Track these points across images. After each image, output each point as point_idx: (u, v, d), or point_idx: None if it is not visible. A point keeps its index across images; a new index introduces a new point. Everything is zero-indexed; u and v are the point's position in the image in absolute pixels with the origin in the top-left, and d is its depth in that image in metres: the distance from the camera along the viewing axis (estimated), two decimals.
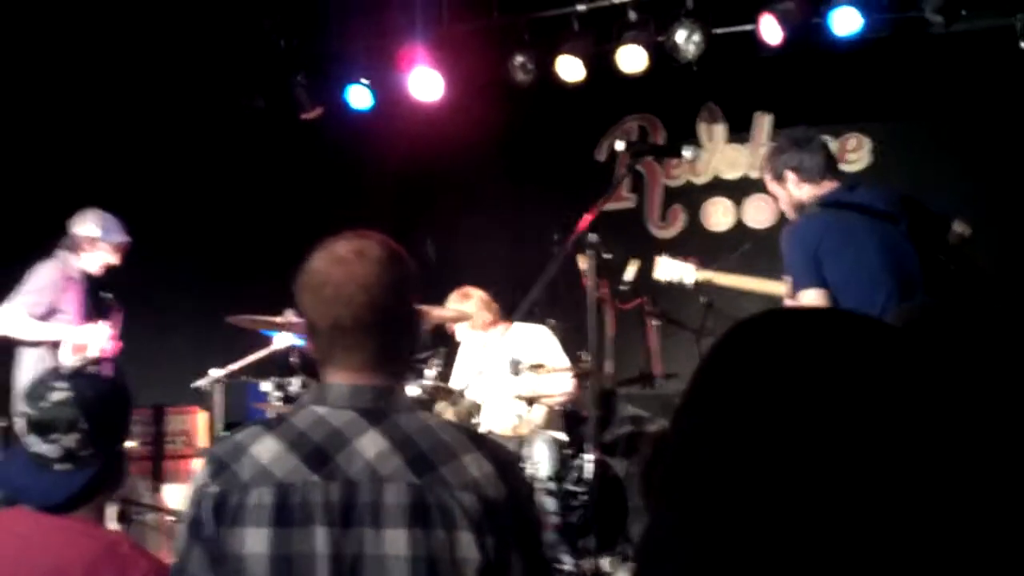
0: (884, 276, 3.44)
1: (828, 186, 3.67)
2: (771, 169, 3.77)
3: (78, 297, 5.39)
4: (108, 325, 5.43)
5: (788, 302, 3.81)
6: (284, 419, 1.73)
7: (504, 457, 1.72)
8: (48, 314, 5.26)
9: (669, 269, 4.52)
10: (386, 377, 1.73)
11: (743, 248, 4.83)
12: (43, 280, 5.27)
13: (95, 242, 5.38)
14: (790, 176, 3.69)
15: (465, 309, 5.48)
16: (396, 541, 1.58)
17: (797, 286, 3.57)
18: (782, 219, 6.73)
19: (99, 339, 5.37)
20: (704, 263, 4.64)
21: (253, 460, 1.66)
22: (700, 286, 4.58)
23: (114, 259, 5.47)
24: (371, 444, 1.65)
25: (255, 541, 1.60)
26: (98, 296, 5.46)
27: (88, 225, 5.39)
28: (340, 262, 1.71)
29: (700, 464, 0.76)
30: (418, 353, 4.86)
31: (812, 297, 3.49)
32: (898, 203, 3.64)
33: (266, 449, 1.67)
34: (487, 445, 1.71)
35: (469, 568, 1.57)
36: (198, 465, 4.87)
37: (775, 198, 3.92)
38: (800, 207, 3.71)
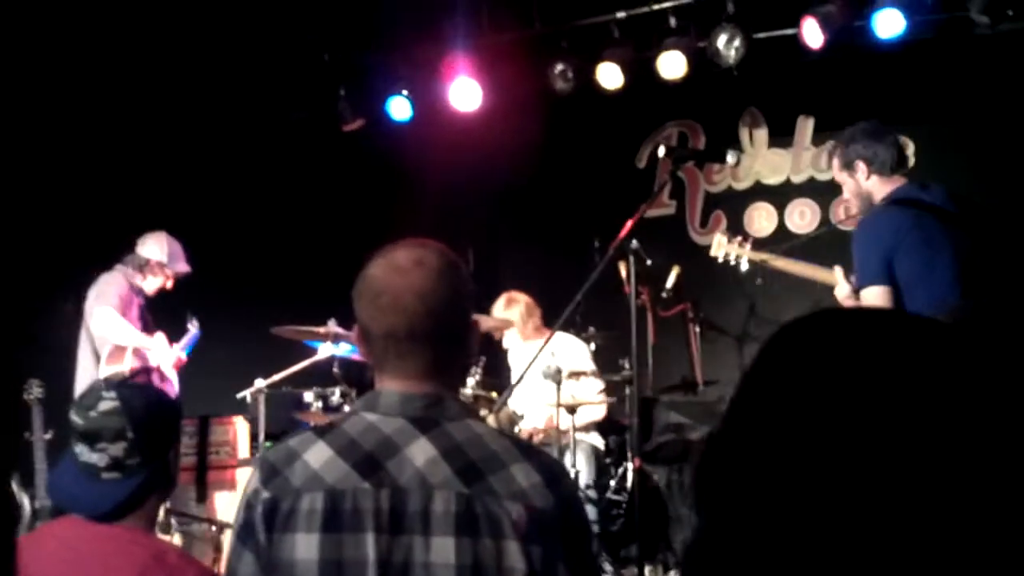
0: (958, 281, 3.40)
1: (897, 181, 3.65)
2: (841, 157, 3.74)
3: (138, 314, 5.52)
4: (174, 343, 5.59)
5: (840, 296, 3.77)
6: (335, 426, 1.74)
7: (553, 467, 1.72)
8: None
9: (725, 247, 4.49)
10: (438, 386, 1.73)
11: (788, 246, 4.78)
12: (119, 289, 5.41)
13: (163, 267, 5.55)
14: (860, 166, 3.67)
15: (511, 314, 5.50)
16: (444, 549, 1.59)
17: (863, 279, 3.53)
18: (824, 224, 6.72)
19: (167, 355, 5.51)
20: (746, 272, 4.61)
21: (305, 466, 1.67)
22: (754, 266, 4.54)
23: (169, 284, 5.65)
24: (421, 452, 1.66)
25: (306, 547, 1.62)
26: (145, 315, 5.58)
27: (157, 249, 5.55)
28: (398, 271, 1.71)
29: (746, 469, 0.76)
30: (473, 363, 4.89)
31: (875, 295, 3.45)
32: (964, 206, 3.61)
33: (318, 455, 1.68)
34: (536, 455, 1.72)
35: None
36: (242, 475, 4.93)
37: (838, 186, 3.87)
38: (867, 199, 3.69)
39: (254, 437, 5.30)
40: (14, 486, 4.85)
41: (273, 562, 1.63)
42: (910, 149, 6.46)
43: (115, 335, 5.31)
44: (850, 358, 0.76)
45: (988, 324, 1.54)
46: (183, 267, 5.63)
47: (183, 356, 5.68)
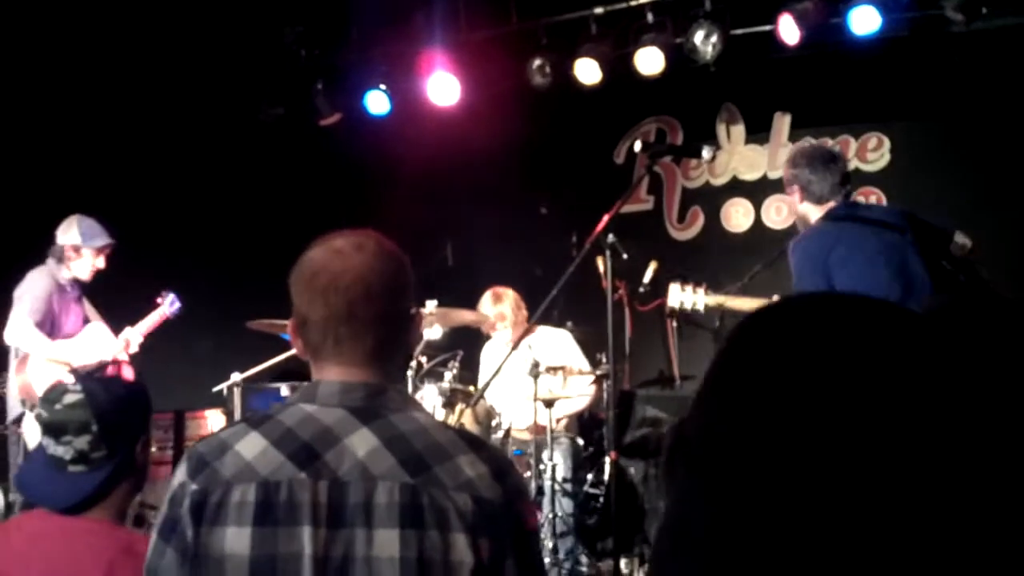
0: (893, 285, 3.43)
1: (831, 205, 3.67)
2: (785, 176, 3.80)
3: (72, 309, 5.31)
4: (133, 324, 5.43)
5: None
6: (270, 416, 1.66)
7: (499, 459, 1.67)
8: (46, 323, 5.17)
9: (680, 296, 4.52)
10: (379, 375, 1.67)
11: (755, 270, 4.81)
12: (42, 291, 5.17)
13: (79, 249, 5.27)
14: (796, 190, 3.71)
15: (502, 308, 5.50)
16: (388, 542, 1.53)
17: None
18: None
19: (103, 348, 5.34)
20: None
21: (236, 457, 1.59)
22: (711, 311, 4.58)
23: (100, 263, 5.36)
24: (362, 442, 1.59)
25: (236, 541, 1.53)
26: (81, 303, 5.38)
27: (71, 233, 5.29)
28: (337, 253, 1.66)
29: (716, 454, 0.76)
30: (427, 354, 4.89)
31: None
32: (903, 217, 3.66)
33: (250, 446, 1.60)
34: (482, 447, 1.67)
35: (463, 570, 1.53)
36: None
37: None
38: (803, 220, 3.75)
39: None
40: None
41: (201, 557, 1.55)
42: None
43: (25, 344, 5.10)
44: (820, 342, 0.75)
45: (955, 312, 1.55)
46: (102, 241, 5.32)
47: (138, 335, 5.48)
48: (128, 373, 5.20)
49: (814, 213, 3.69)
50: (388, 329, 1.68)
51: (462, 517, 1.54)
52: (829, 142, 6.50)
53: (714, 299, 4.51)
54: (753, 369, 0.77)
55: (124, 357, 5.40)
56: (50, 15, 5.94)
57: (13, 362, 5.14)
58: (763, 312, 0.82)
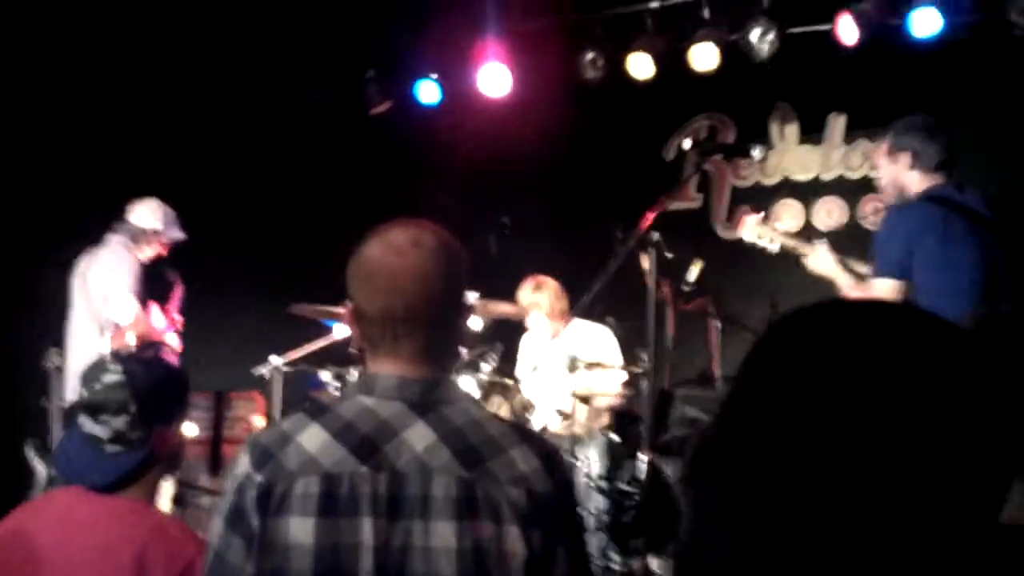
0: (978, 286, 3.36)
1: (936, 179, 3.60)
2: (890, 141, 3.72)
3: (143, 288, 5.40)
4: (164, 306, 5.52)
5: (849, 291, 3.73)
6: (329, 408, 1.71)
7: (550, 451, 1.72)
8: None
9: (754, 231, 4.37)
10: (434, 369, 1.72)
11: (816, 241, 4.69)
12: (132, 270, 5.29)
13: (158, 235, 5.41)
14: (905, 157, 3.64)
15: (540, 297, 5.48)
16: (444, 533, 1.58)
17: (878, 268, 3.49)
18: (851, 223, 6.65)
19: (162, 326, 5.45)
20: (771, 267, 4.55)
21: (299, 449, 1.64)
22: (786, 252, 4.43)
23: (164, 252, 5.51)
24: (419, 436, 1.65)
25: (300, 531, 1.59)
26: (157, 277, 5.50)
27: (151, 218, 5.41)
28: (396, 251, 1.69)
29: (740, 455, 0.75)
30: (466, 346, 4.89)
31: (886, 288, 3.41)
32: (988, 206, 3.58)
33: (312, 438, 1.65)
34: (534, 439, 1.72)
35: (515, 561, 1.58)
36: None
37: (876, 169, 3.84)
38: (902, 191, 3.67)
39: (270, 414, 5.34)
40: (30, 453, 4.89)
41: (266, 547, 1.60)
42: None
43: (128, 319, 5.20)
44: (848, 351, 0.75)
45: (998, 333, 1.51)
46: (178, 233, 5.48)
47: (177, 316, 5.58)
48: (170, 355, 5.31)
49: (918, 185, 3.61)
50: (444, 324, 1.73)
51: (515, 510, 1.60)
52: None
53: (789, 243, 4.33)
54: (776, 381, 0.76)
55: (173, 336, 5.50)
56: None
57: (107, 334, 5.23)
58: (787, 322, 0.81)
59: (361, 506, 1.59)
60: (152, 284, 5.51)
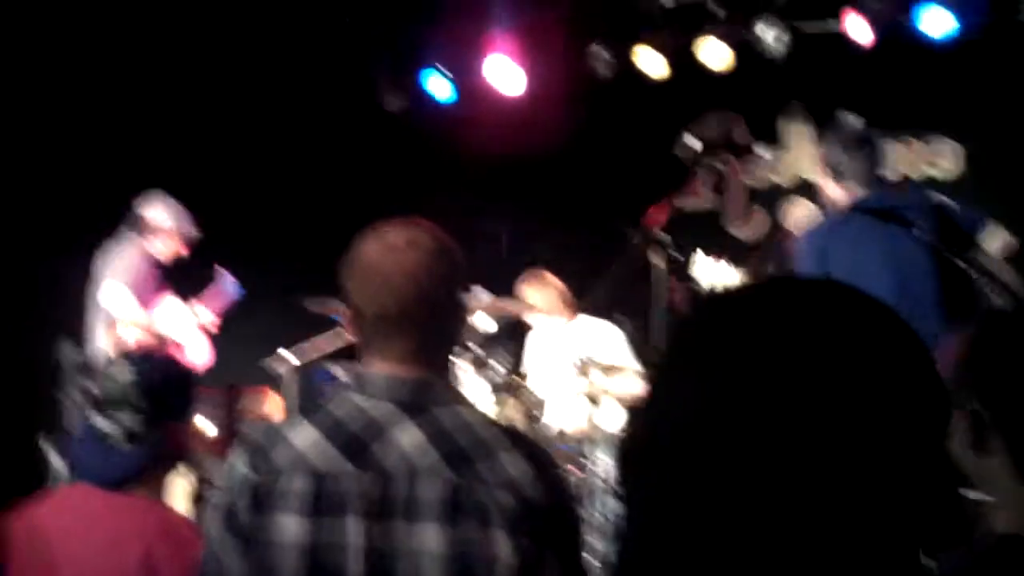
0: (883, 283, 3.33)
1: (859, 191, 3.59)
2: (821, 154, 3.72)
3: (151, 283, 5.43)
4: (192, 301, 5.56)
5: None
6: (323, 407, 1.71)
7: (542, 458, 1.69)
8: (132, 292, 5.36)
9: (706, 269, 4.33)
10: (426, 369, 1.70)
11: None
12: (134, 262, 5.32)
13: (171, 232, 5.42)
14: (828, 172, 3.63)
15: (545, 294, 5.46)
16: (429, 536, 1.56)
17: None
18: None
19: (182, 320, 5.50)
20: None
21: (289, 447, 1.64)
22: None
23: (184, 251, 5.52)
24: (408, 437, 1.63)
25: (288, 528, 1.59)
26: (157, 277, 5.51)
27: (159, 211, 5.41)
28: (391, 250, 1.68)
29: (670, 444, 0.74)
30: (461, 345, 4.89)
31: None
32: (922, 209, 3.54)
33: (303, 436, 1.65)
34: (526, 444, 1.69)
35: (502, 567, 1.55)
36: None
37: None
38: (832, 203, 3.67)
39: (285, 409, 5.36)
40: (45, 445, 4.93)
41: (254, 543, 1.61)
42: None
43: (119, 310, 5.23)
44: (769, 327, 0.74)
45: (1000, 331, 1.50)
46: (190, 229, 5.49)
47: (212, 311, 5.63)
48: (188, 354, 5.35)
49: (844, 199, 3.61)
50: (437, 325, 1.71)
51: (503, 514, 1.57)
52: (898, 146, 6.37)
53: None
54: (701, 355, 0.75)
55: (197, 332, 5.55)
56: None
57: (101, 326, 5.30)
58: (703, 309, 0.81)
59: (347, 505, 1.59)
60: (190, 280, 5.56)
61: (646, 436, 0.77)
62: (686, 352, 0.77)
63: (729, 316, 0.77)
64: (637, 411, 0.80)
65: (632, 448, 0.79)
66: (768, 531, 0.70)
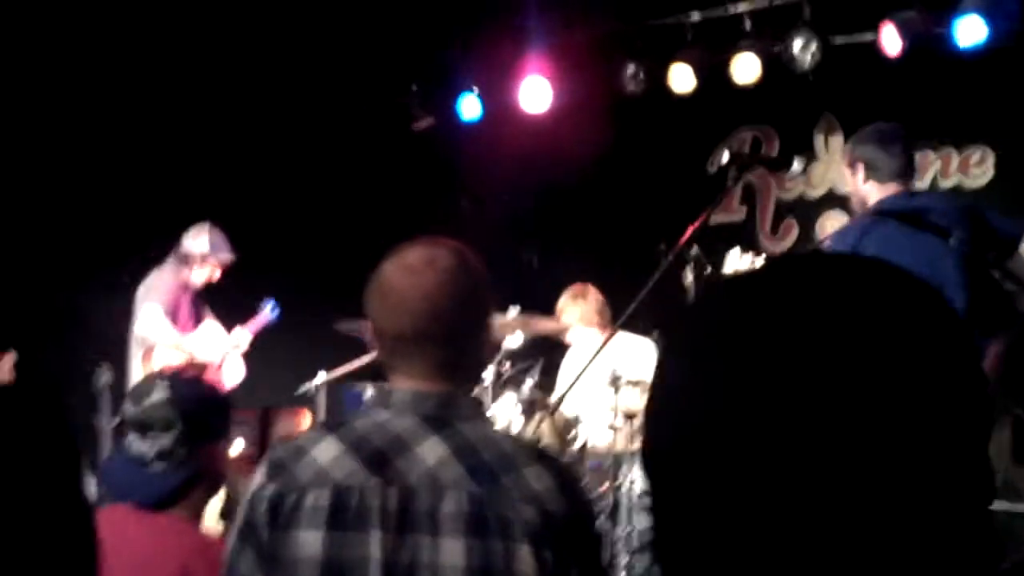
0: None
1: (892, 189, 3.55)
2: (848, 153, 3.71)
3: (189, 310, 5.66)
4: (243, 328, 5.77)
5: None
6: (346, 423, 1.73)
7: (565, 472, 1.71)
8: (169, 318, 5.53)
9: (739, 267, 4.31)
10: (450, 384, 1.71)
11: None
12: (168, 286, 5.55)
13: (206, 258, 5.63)
14: (860, 168, 3.60)
15: (582, 306, 5.45)
16: (453, 550, 1.57)
17: None
18: None
19: (219, 345, 5.62)
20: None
21: (312, 462, 1.65)
22: None
23: (217, 275, 5.75)
24: (431, 451, 1.63)
25: (309, 544, 1.59)
26: (196, 303, 5.74)
27: (200, 240, 5.65)
28: (409, 271, 1.70)
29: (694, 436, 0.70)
30: (490, 361, 4.87)
31: None
32: (957, 216, 3.50)
33: (326, 451, 1.66)
34: (549, 459, 1.71)
35: None
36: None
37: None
38: (862, 202, 3.65)
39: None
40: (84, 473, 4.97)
41: (275, 559, 1.61)
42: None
43: (154, 334, 5.44)
44: (782, 310, 0.69)
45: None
46: (226, 255, 5.71)
47: (248, 336, 5.83)
48: (222, 376, 5.44)
49: (873, 196, 3.58)
50: (456, 343, 1.72)
51: (527, 528, 1.57)
52: (931, 155, 6.31)
53: None
54: (711, 336, 0.71)
55: (236, 355, 5.67)
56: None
57: (138, 353, 5.49)
58: (718, 288, 0.78)
59: (370, 520, 1.59)
60: (227, 305, 5.77)
61: (670, 435, 0.73)
62: (709, 340, 0.72)
63: (757, 297, 0.72)
64: (656, 408, 0.76)
65: (656, 449, 0.76)
66: (792, 531, 0.67)
